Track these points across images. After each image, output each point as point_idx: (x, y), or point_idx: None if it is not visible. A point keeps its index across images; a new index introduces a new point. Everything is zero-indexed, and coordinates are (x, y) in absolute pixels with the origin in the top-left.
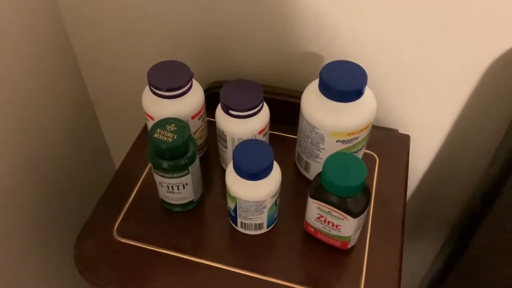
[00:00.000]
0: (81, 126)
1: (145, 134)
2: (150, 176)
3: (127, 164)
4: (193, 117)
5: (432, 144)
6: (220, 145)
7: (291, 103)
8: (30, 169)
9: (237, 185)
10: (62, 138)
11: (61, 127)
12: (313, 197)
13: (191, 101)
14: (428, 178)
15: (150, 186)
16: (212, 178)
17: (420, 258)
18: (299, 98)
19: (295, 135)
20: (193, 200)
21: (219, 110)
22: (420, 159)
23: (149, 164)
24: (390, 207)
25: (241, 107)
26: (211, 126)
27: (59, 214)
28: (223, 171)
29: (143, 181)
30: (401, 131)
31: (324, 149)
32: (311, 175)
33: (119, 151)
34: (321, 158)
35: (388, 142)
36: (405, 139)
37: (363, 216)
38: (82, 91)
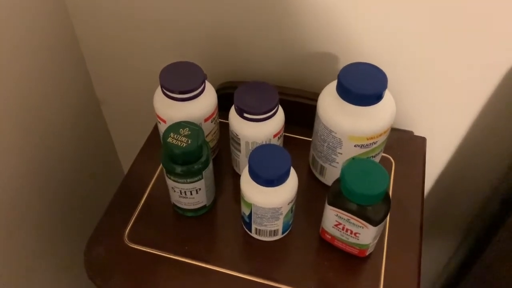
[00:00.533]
0: (87, 126)
1: (155, 136)
2: (161, 179)
3: (137, 167)
4: (206, 120)
5: (448, 146)
6: (233, 148)
7: (303, 104)
8: (33, 170)
9: (252, 192)
10: (67, 138)
11: (66, 127)
12: (331, 204)
13: (204, 104)
14: (443, 181)
15: (161, 190)
16: (223, 181)
17: (433, 263)
18: (312, 99)
19: (308, 136)
20: (205, 205)
21: (232, 113)
22: (435, 161)
23: (160, 167)
24: (407, 211)
25: (257, 111)
26: (222, 128)
27: (65, 217)
28: (235, 174)
29: (153, 184)
30: (416, 133)
31: (341, 154)
32: (326, 179)
33: (127, 152)
34: (337, 163)
35: (403, 145)
36: (421, 141)
37: (383, 224)
38: (88, 89)
